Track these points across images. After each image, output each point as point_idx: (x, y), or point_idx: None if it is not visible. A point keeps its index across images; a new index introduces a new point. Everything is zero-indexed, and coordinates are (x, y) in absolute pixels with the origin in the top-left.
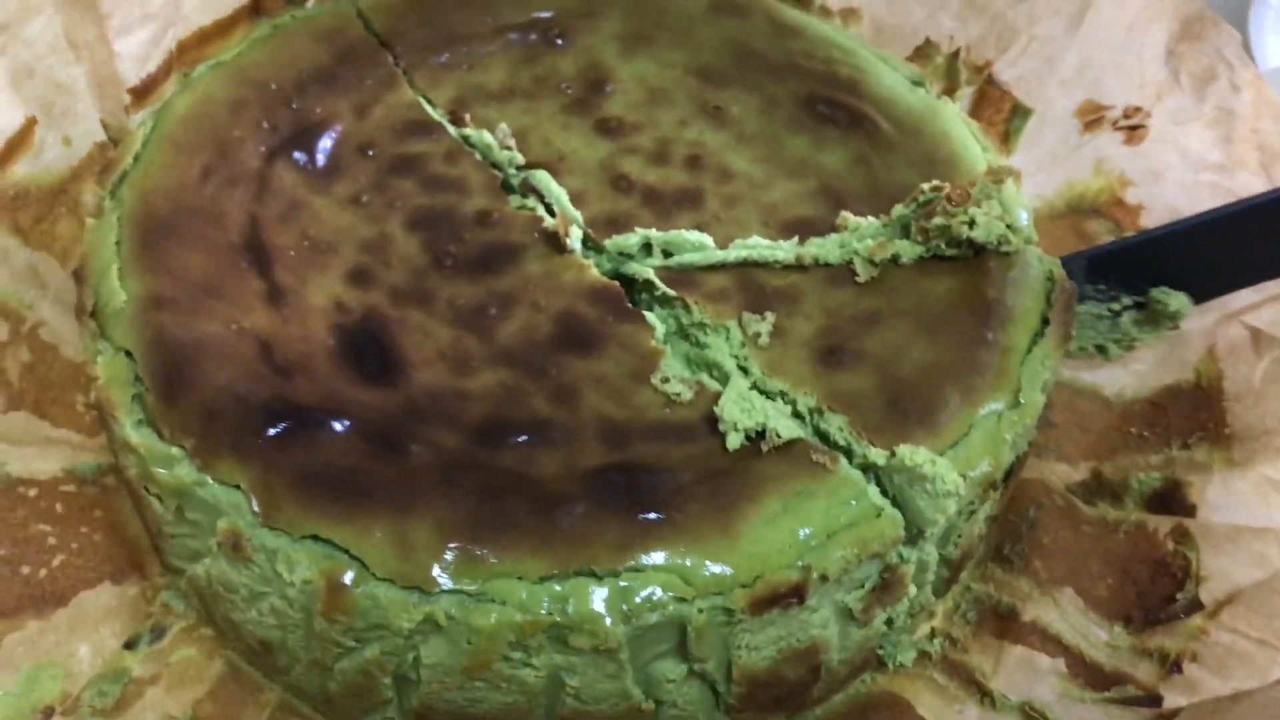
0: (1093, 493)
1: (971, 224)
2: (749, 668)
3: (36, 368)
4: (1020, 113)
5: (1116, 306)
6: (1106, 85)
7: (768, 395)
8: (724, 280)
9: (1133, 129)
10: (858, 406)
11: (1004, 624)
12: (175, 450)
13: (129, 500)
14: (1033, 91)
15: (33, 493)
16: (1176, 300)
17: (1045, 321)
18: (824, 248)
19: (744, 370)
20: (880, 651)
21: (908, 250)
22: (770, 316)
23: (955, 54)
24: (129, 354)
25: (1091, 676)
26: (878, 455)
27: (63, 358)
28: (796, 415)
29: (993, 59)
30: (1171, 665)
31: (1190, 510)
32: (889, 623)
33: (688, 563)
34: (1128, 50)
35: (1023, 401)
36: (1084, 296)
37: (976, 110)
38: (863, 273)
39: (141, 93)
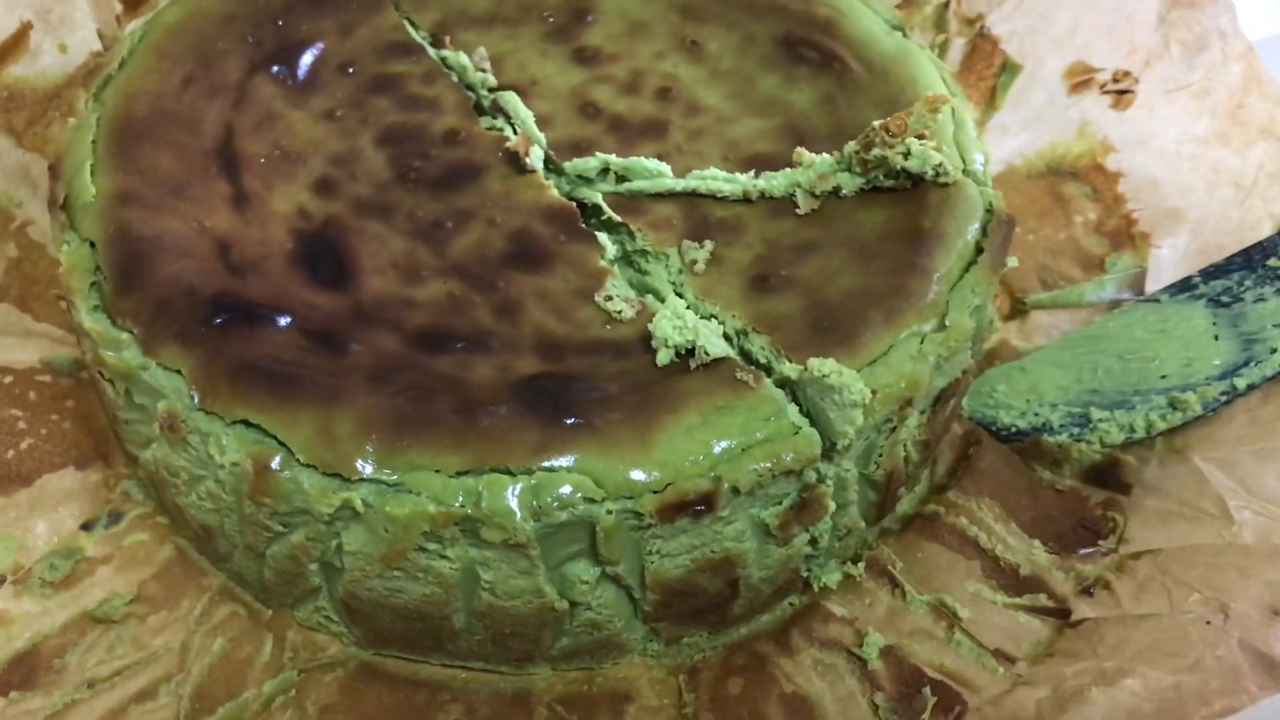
0: (1031, 457)
1: (907, 154)
2: (662, 575)
3: (23, 264)
4: (1009, 69)
5: None
6: (1097, 47)
7: (701, 317)
8: (670, 209)
9: (1120, 94)
10: (781, 328)
11: (923, 524)
12: (124, 335)
13: None
14: (1024, 48)
15: (8, 380)
16: None
17: (980, 250)
18: (773, 181)
19: (679, 296)
20: (806, 574)
21: (848, 183)
22: (709, 245)
23: (945, 4)
24: (93, 245)
25: (1006, 579)
26: (791, 369)
27: (49, 256)
28: (725, 337)
29: (985, 12)
30: (1086, 589)
31: (1125, 489)
32: (813, 543)
33: (601, 466)
34: (1119, 13)
35: (949, 324)
36: None
37: (969, 63)
38: (803, 205)
39: (134, 3)
